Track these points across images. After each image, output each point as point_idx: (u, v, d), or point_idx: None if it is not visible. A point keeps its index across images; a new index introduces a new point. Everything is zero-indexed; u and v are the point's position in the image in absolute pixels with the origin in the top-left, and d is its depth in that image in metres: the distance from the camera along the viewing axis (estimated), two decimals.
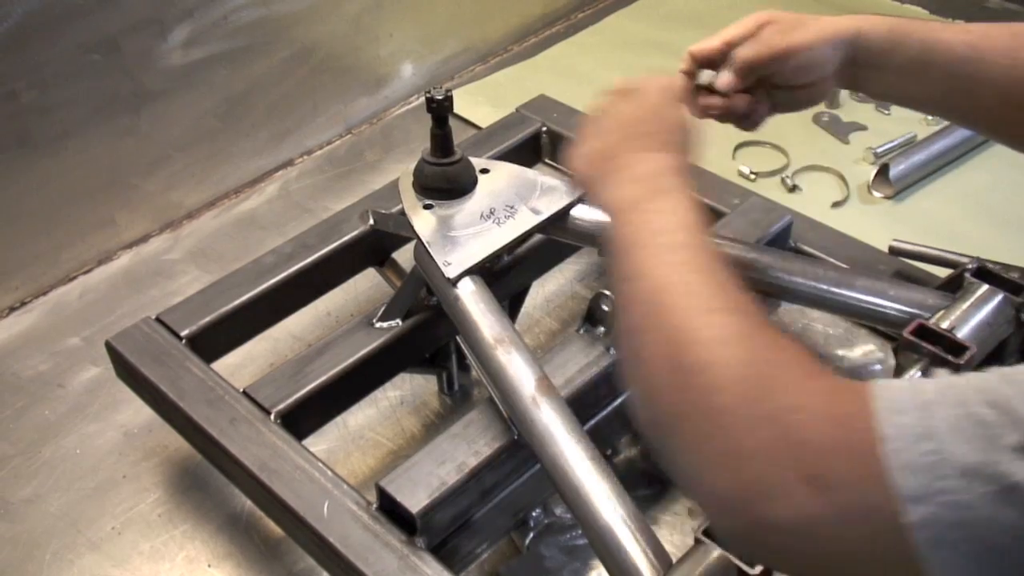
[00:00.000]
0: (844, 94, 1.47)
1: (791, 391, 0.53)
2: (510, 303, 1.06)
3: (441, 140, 0.93)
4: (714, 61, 0.90)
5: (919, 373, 0.78)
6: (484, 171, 0.96)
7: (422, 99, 1.52)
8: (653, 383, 0.60)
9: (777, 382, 0.54)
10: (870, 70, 0.85)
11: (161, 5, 1.18)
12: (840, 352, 1.07)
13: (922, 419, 0.48)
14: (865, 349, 1.07)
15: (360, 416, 1.04)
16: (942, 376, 0.52)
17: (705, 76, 0.90)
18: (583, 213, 0.95)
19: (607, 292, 0.87)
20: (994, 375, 0.49)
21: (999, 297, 0.82)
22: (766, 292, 0.92)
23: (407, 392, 1.07)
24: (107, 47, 1.16)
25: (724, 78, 0.89)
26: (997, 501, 0.45)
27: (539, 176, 0.97)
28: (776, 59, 0.86)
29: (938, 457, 0.47)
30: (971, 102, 0.82)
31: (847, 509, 0.49)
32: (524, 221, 0.92)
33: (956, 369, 0.76)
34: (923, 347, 0.78)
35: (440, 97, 0.90)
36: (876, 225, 1.23)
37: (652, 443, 0.61)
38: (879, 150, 1.35)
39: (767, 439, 0.52)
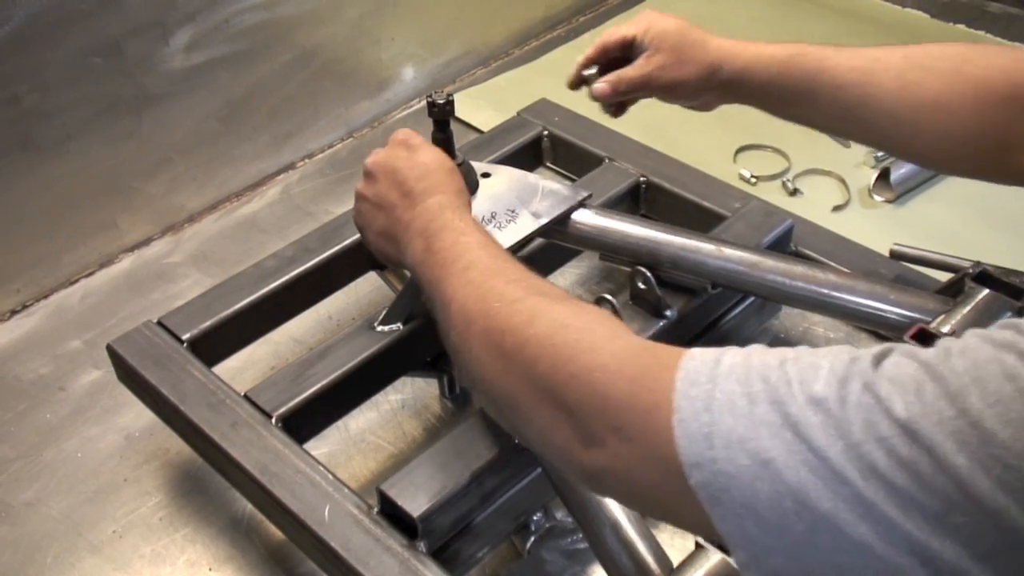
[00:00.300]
0: None
1: (594, 351, 0.60)
2: None
3: (442, 144, 0.93)
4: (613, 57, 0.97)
5: None
6: (485, 175, 0.96)
7: (423, 102, 1.54)
8: (485, 376, 0.67)
9: (581, 344, 0.61)
10: (756, 100, 0.93)
11: (163, 9, 1.18)
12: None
13: (708, 392, 0.53)
14: None
15: (361, 419, 1.04)
16: (755, 350, 0.55)
17: (589, 71, 0.98)
18: (585, 217, 0.95)
19: (609, 297, 0.87)
20: (786, 355, 0.53)
21: (1000, 302, 0.82)
22: (767, 296, 0.92)
23: (408, 396, 1.07)
24: (109, 50, 1.16)
25: (599, 88, 0.97)
26: (754, 474, 0.50)
27: (540, 180, 0.97)
28: (657, 90, 0.96)
29: (711, 428, 0.52)
30: (862, 124, 0.87)
31: (647, 459, 0.56)
32: (525, 225, 0.92)
33: None
34: None
35: (441, 101, 0.91)
36: (877, 229, 1.23)
37: (502, 426, 0.72)
38: (880, 154, 1.35)
39: (580, 396, 0.59)
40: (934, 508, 0.46)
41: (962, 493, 0.45)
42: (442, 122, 0.92)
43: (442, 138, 0.93)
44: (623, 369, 0.58)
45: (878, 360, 0.50)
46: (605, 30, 0.98)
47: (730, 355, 0.55)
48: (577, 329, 0.62)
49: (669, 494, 0.55)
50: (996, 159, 0.83)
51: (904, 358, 0.50)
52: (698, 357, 0.56)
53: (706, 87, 0.93)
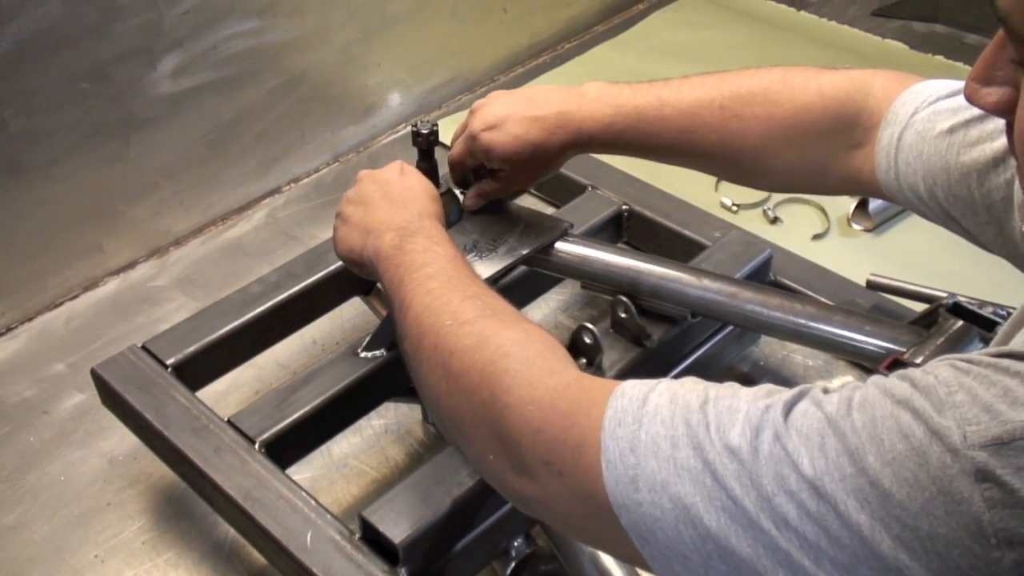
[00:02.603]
0: None
1: (531, 385, 0.62)
2: None
3: (427, 172, 0.94)
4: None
5: None
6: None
7: (409, 128, 1.54)
8: (432, 391, 0.69)
9: (519, 377, 0.63)
10: (595, 151, 0.96)
11: (151, 35, 1.19)
12: (819, 383, 1.08)
13: (634, 432, 0.55)
14: (843, 380, 1.08)
15: (344, 444, 1.04)
16: (682, 387, 0.57)
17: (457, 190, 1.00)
18: (567, 246, 0.96)
19: (589, 325, 0.88)
20: (708, 395, 0.55)
21: (972, 333, 0.84)
22: (745, 326, 0.93)
23: (391, 421, 1.08)
24: (97, 76, 1.17)
25: (469, 204, 0.99)
26: (677, 518, 0.53)
27: (523, 210, 0.98)
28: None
29: (636, 471, 0.54)
30: (690, 164, 0.94)
31: (576, 494, 0.58)
32: (506, 255, 0.93)
33: None
34: None
35: (426, 131, 0.92)
36: (855, 258, 1.25)
37: (448, 439, 0.74)
38: None
39: (514, 428, 0.61)
40: (842, 561, 0.48)
41: (866, 549, 0.48)
42: (426, 151, 0.93)
43: (427, 167, 0.94)
44: (556, 405, 0.60)
45: (788, 408, 0.52)
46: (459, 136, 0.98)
47: (657, 393, 0.57)
48: (519, 360, 0.64)
49: (601, 529, 0.57)
50: (816, 180, 0.89)
51: (812, 407, 0.52)
52: (627, 394, 0.58)
53: (561, 163, 0.96)
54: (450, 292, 0.72)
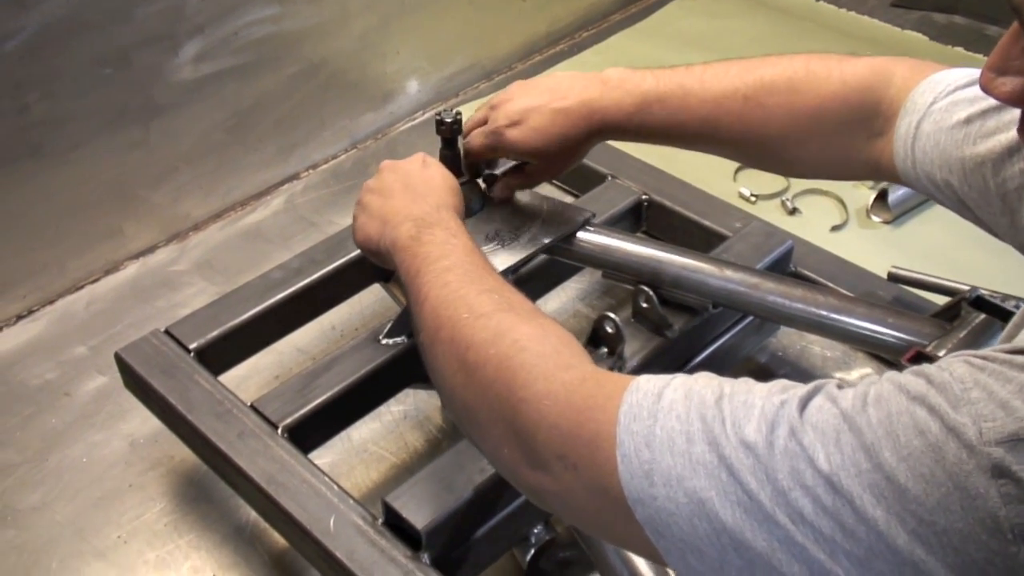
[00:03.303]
0: None
1: (547, 379, 0.62)
2: None
3: (450, 160, 0.94)
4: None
5: None
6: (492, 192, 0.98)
7: (427, 115, 1.56)
8: (447, 383, 0.70)
9: (536, 371, 0.63)
10: (618, 139, 0.95)
11: (173, 21, 1.20)
12: (837, 375, 1.08)
13: (649, 427, 0.56)
14: (862, 372, 1.08)
15: (364, 430, 1.05)
16: (697, 382, 0.58)
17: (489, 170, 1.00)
18: (588, 236, 0.97)
19: (611, 315, 0.88)
20: (723, 390, 0.56)
21: (995, 327, 0.84)
22: (766, 317, 0.94)
23: (410, 407, 1.08)
24: (119, 61, 1.17)
25: (499, 195, 0.99)
26: (692, 512, 0.53)
27: (545, 200, 0.99)
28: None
29: (651, 466, 0.55)
30: (713, 151, 0.94)
31: (591, 488, 0.58)
32: (529, 244, 0.94)
33: None
34: None
35: (449, 120, 0.92)
36: (874, 250, 1.24)
37: (463, 433, 0.74)
38: None
39: (529, 421, 0.61)
40: (858, 555, 0.49)
41: (882, 543, 0.48)
42: (450, 140, 0.94)
43: (450, 155, 0.94)
44: (571, 399, 0.60)
45: (804, 403, 0.53)
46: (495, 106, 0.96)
47: (671, 388, 0.57)
48: (535, 354, 0.64)
49: (615, 523, 0.58)
50: (838, 167, 0.90)
51: (827, 402, 0.52)
52: (642, 389, 0.58)
53: (586, 152, 0.96)
54: (467, 285, 0.72)
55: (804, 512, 0.50)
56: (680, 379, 0.58)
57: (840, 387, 0.54)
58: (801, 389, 0.54)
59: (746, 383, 0.57)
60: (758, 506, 0.51)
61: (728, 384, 0.57)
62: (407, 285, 0.77)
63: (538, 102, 0.91)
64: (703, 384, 0.57)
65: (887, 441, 0.49)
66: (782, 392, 0.54)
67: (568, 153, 0.93)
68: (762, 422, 0.52)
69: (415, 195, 0.84)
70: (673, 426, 0.55)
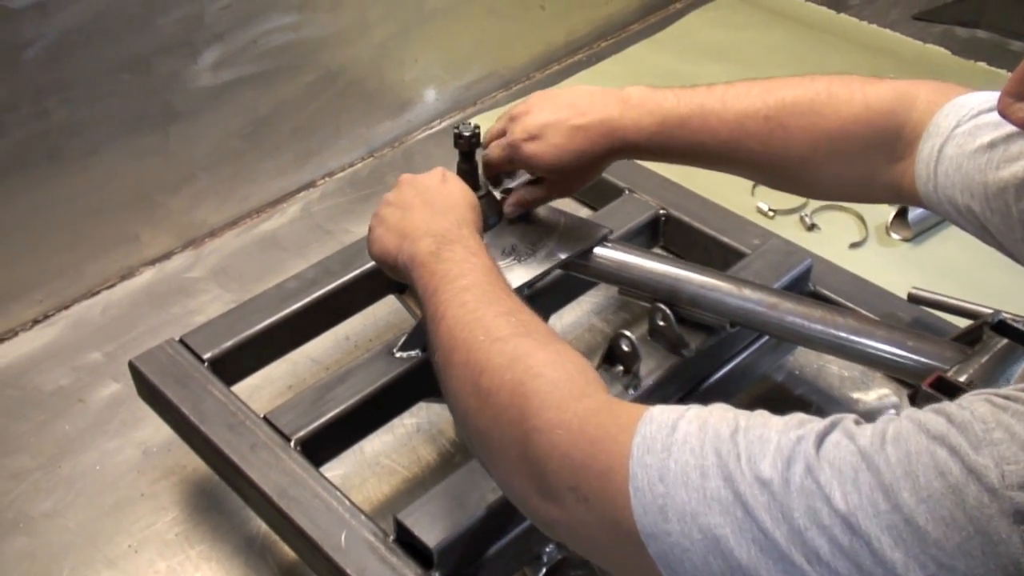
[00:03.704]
0: None
1: (560, 408, 0.61)
2: None
3: (468, 174, 0.94)
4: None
5: None
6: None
7: (445, 124, 1.56)
8: (461, 406, 0.69)
9: (549, 399, 0.62)
10: (636, 158, 0.94)
11: (192, 29, 1.20)
12: (855, 395, 1.07)
13: (663, 461, 0.55)
14: (880, 393, 1.07)
15: (376, 443, 1.05)
16: (712, 414, 0.57)
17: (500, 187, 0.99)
18: (605, 252, 0.96)
19: (627, 333, 0.88)
20: (738, 423, 0.55)
21: (1017, 352, 0.83)
22: (784, 337, 0.93)
23: (423, 420, 1.08)
24: (138, 68, 1.17)
25: (510, 212, 0.97)
26: (707, 549, 0.52)
27: (562, 215, 0.98)
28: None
29: (665, 500, 0.54)
30: (733, 171, 0.93)
31: (602, 521, 0.57)
32: (545, 260, 0.93)
33: None
34: (941, 400, 0.79)
35: (467, 133, 0.92)
36: (894, 268, 1.23)
37: (475, 456, 0.73)
38: None
39: (541, 451, 0.61)
40: None
41: None
42: (468, 153, 0.93)
43: (467, 168, 0.94)
44: (584, 429, 0.59)
45: (820, 439, 0.52)
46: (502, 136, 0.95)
47: (686, 421, 0.56)
48: (549, 382, 0.63)
49: (627, 557, 0.57)
50: (859, 190, 0.88)
51: (844, 438, 0.51)
52: (656, 420, 0.57)
53: (603, 170, 0.95)
54: (484, 306, 0.71)
55: (820, 552, 0.49)
56: (694, 411, 0.57)
57: (858, 423, 0.53)
58: (818, 424, 0.53)
59: (762, 416, 0.56)
60: (773, 544, 0.50)
61: (744, 417, 0.56)
62: (424, 302, 0.77)
63: (557, 117, 0.90)
64: (718, 417, 0.56)
65: (906, 481, 0.48)
66: (799, 427, 0.53)
67: (585, 170, 0.92)
68: (778, 458, 0.52)
69: (435, 210, 0.84)
70: (687, 460, 0.54)
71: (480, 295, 0.72)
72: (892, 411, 1.05)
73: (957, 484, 0.47)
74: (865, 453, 0.50)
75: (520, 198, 0.97)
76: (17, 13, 1.05)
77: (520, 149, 0.91)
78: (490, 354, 0.67)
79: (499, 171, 0.97)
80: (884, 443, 0.50)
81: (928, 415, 0.50)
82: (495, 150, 0.94)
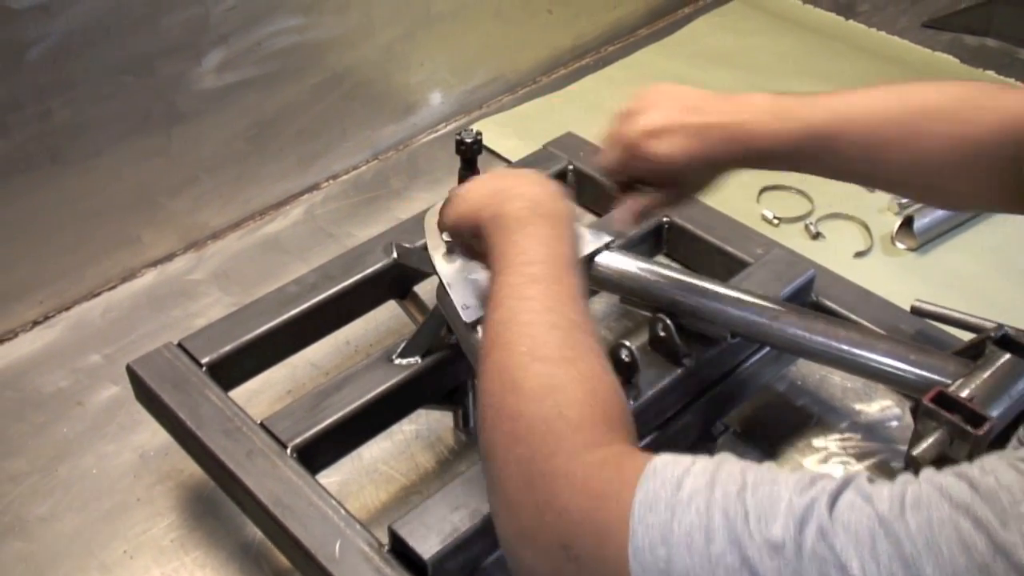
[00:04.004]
0: None
1: (570, 456, 0.58)
2: None
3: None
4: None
5: (937, 442, 0.78)
6: None
7: (450, 127, 1.55)
8: (483, 405, 0.65)
9: (562, 444, 0.59)
10: (759, 167, 0.87)
11: (197, 31, 1.19)
12: (857, 407, 1.07)
13: (666, 521, 0.52)
14: (883, 404, 1.07)
15: (375, 449, 1.04)
16: (721, 469, 0.53)
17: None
18: (607, 260, 0.95)
19: (627, 343, 0.87)
20: (746, 479, 0.52)
21: (1020, 367, 0.82)
22: (786, 349, 0.92)
23: (423, 426, 1.07)
24: (142, 69, 1.17)
25: (622, 223, 0.92)
26: None
27: None
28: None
29: (667, 565, 0.51)
30: (865, 183, 0.90)
31: None
32: None
33: (975, 442, 0.76)
34: (942, 415, 0.78)
35: (470, 140, 0.91)
36: (898, 278, 1.22)
37: (480, 456, 0.68)
38: (904, 201, 1.34)
39: (540, 499, 0.57)
40: None
41: None
42: (470, 160, 0.93)
43: (469, 175, 0.94)
44: (588, 483, 0.56)
45: (833, 499, 0.49)
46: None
47: (692, 477, 0.53)
48: (571, 425, 0.60)
49: None
50: (994, 200, 0.84)
51: (859, 499, 0.49)
52: (660, 475, 0.54)
53: (723, 180, 0.90)
54: (543, 310, 0.66)
55: None
56: (701, 464, 0.54)
57: (871, 480, 0.50)
58: (831, 483, 0.51)
59: (770, 471, 0.53)
60: None
61: (751, 471, 0.53)
62: (491, 272, 0.72)
63: (677, 118, 0.83)
64: (726, 473, 0.53)
65: (928, 554, 0.45)
66: (811, 486, 0.51)
67: (705, 178, 0.87)
68: (789, 519, 0.49)
69: (533, 179, 0.77)
70: (692, 521, 0.51)
71: (544, 292, 0.67)
72: (895, 422, 1.04)
73: (983, 561, 0.45)
74: (883, 519, 0.47)
75: (631, 208, 0.89)
76: (20, 13, 1.04)
77: (640, 148, 0.83)
78: (527, 375, 0.63)
79: (620, 177, 0.89)
80: (904, 509, 0.47)
81: (950, 479, 0.48)
82: (611, 153, 0.86)
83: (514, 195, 0.74)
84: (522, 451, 0.60)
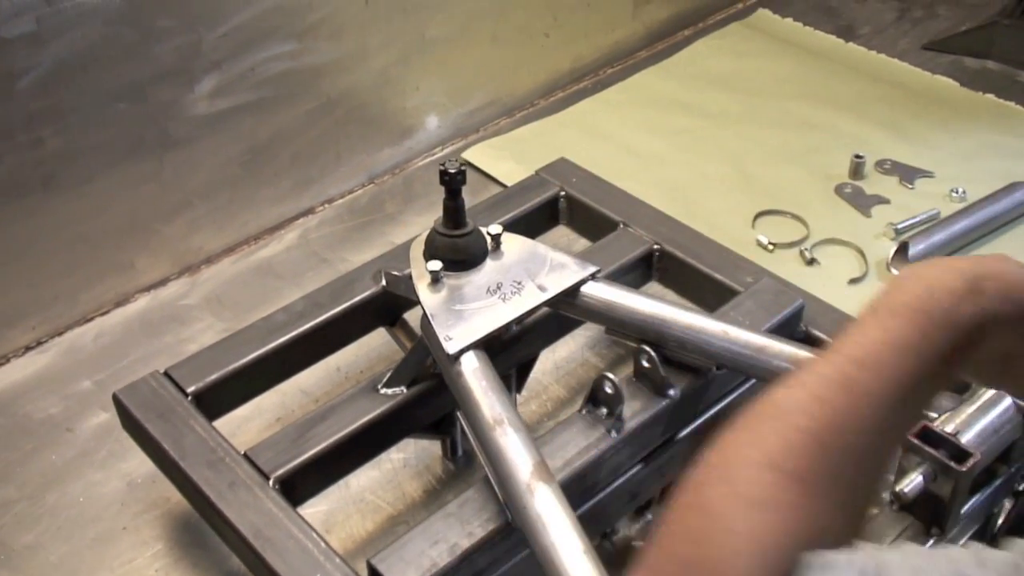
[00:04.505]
0: (868, 165, 1.46)
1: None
2: (518, 371, 1.05)
3: (453, 212, 0.93)
4: None
5: (921, 478, 0.78)
6: (496, 242, 0.96)
7: (446, 151, 1.55)
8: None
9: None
10: None
11: (190, 57, 1.20)
12: None
13: None
14: None
15: (362, 478, 1.04)
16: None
17: None
18: (593, 290, 0.95)
19: (610, 375, 0.86)
20: None
21: (1006, 402, 0.81)
22: (771, 381, 0.91)
23: (410, 455, 1.07)
24: (134, 96, 1.17)
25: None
26: None
27: (550, 252, 0.97)
28: None
29: None
30: None
31: None
32: (530, 298, 0.92)
33: (959, 478, 0.75)
34: (926, 451, 0.77)
35: (453, 171, 0.91)
36: None
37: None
38: (900, 226, 1.34)
39: None
40: None
41: None
42: (455, 191, 0.92)
43: (453, 206, 0.93)
44: None
45: None
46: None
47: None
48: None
49: None
50: None
51: None
52: None
53: None
54: (770, 435, 0.59)
55: None
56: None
57: None
58: None
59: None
60: None
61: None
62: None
63: None
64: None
65: None
66: None
67: None
68: None
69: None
70: None
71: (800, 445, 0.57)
72: None
73: None
74: None
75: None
76: (11, 42, 1.05)
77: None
78: (745, 481, 0.56)
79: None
80: None
81: None
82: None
83: (944, 283, 0.62)
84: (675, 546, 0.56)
